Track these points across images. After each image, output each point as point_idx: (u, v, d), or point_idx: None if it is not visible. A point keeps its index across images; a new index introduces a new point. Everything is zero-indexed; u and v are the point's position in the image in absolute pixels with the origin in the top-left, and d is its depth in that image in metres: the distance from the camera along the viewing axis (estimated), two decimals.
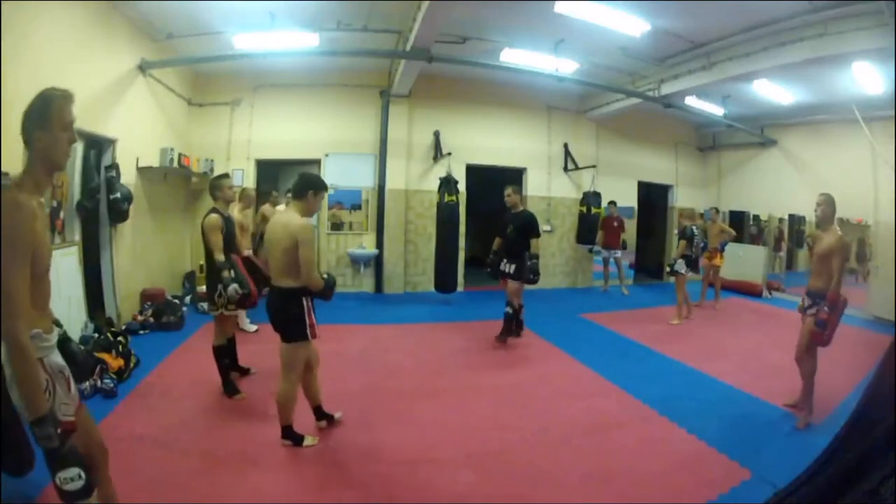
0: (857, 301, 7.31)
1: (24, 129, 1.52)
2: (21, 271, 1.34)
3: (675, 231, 6.24)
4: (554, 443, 2.97)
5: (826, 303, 3.19)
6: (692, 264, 6.25)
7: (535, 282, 4.75)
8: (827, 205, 3.41)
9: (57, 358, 1.56)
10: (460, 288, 7.77)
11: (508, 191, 4.90)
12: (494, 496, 2.42)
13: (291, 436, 2.75)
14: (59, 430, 1.38)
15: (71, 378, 1.60)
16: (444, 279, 6.85)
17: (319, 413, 3.00)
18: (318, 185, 2.72)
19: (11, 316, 1.30)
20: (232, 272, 3.32)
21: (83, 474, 1.36)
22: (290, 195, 3.32)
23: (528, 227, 4.71)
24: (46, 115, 1.50)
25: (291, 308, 2.62)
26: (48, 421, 1.36)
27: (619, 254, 8.14)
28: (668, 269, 6.49)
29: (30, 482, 2.18)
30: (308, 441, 2.78)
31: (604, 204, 8.24)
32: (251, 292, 3.40)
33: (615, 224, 8.10)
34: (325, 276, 2.68)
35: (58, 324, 1.66)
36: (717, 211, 7.63)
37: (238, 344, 3.83)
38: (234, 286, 3.24)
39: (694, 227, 6.28)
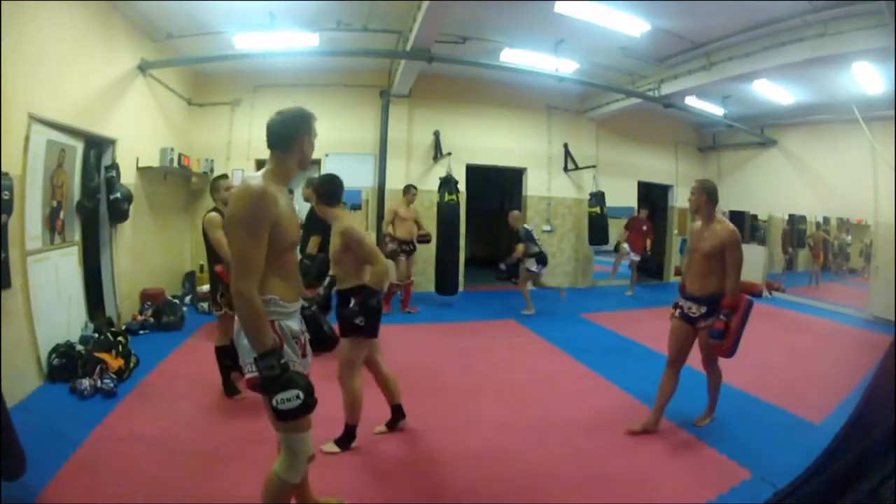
0: (857, 301, 7.35)
1: (280, 135, 1.74)
2: (256, 242, 1.59)
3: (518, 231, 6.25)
4: (554, 443, 2.97)
5: (722, 309, 2.80)
6: (543, 259, 6.24)
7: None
8: (699, 192, 2.92)
9: (293, 324, 1.78)
10: (461, 288, 7.79)
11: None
12: (494, 496, 2.42)
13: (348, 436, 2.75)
14: (281, 362, 1.60)
15: (308, 345, 1.89)
16: (445, 281, 6.80)
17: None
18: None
19: (243, 275, 1.58)
20: None
21: (301, 395, 1.58)
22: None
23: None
24: (309, 127, 1.78)
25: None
26: (271, 355, 1.58)
27: (638, 258, 8.12)
28: (502, 268, 6.39)
29: (26, 487, 2.17)
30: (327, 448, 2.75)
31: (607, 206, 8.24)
32: None
33: (644, 228, 8.08)
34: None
35: (307, 298, 2.03)
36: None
37: None
38: None
39: (526, 226, 6.35)
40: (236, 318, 1.71)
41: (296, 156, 1.76)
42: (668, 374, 3.05)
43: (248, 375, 1.70)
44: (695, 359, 4.66)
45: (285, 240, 1.69)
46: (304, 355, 1.84)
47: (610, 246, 8.45)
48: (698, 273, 2.90)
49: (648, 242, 8.10)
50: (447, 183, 6.85)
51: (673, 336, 3.04)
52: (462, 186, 7.43)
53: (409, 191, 6.24)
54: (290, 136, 1.73)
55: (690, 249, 3.02)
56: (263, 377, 1.59)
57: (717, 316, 2.82)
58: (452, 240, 6.84)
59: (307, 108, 1.79)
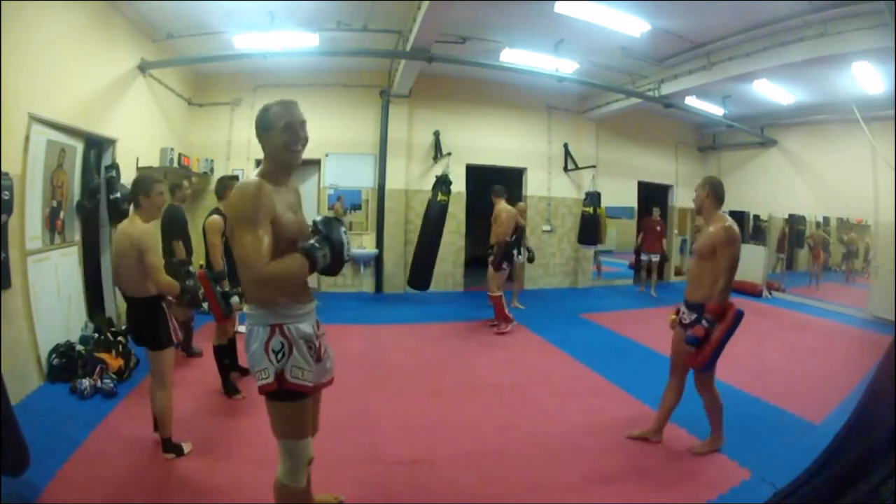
0: (857, 301, 7.36)
1: (260, 129, 1.71)
2: (260, 234, 1.53)
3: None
4: (554, 443, 2.97)
5: (705, 314, 2.55)
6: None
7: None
8: (702, 188, 2.75)
9: (304, 326, 1.72)
10: (461, 288, 7.80)
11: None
12: (494, 496, 2.42)
13: (172, 448, 2.61)
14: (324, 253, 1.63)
15: (326, 349, 1.90)
16: (418, 275, 6.80)
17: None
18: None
19: (255, 265, 1.51)
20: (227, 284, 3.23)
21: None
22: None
23: None
24: (286, 113, 1.68)
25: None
26: (315, 251, 1.62)
27: (657, 257, 8.11)
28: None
29: (26, 486, 2.17)
30: (187, 448, 2.66)
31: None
32: None
33: (658, 228, 8.08)
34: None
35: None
36: None
37: (238, 344, 3.83)
38: (235, 298, 3.15)
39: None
40: (246, 327, 1.70)
41: (278, 147, 1.68)
42: (669, 384, 2.91)
43: (260, 382, 1.66)
44: None
45: (283, 240, 1.63)
46: (318, 360, 1.79)
47: (604, 246, 8.45)
48: (693, 277, 2.75)
49: (664, 242, 8.10)
50: (442, 182, 6.85)
51: (672, 344, 2.86)
52: (462, 187, 7.43)
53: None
54: (267, 129, 1.68)
55: (691, 251, 2.94)
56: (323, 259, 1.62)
57: (697, 320, 2.58)
58: (435, 237, 6.82)
59: (303, 108, 1.77)
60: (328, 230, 1.68)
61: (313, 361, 1.74)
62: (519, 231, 6.19)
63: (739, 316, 2.54)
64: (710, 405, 2.80)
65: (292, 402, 1.68)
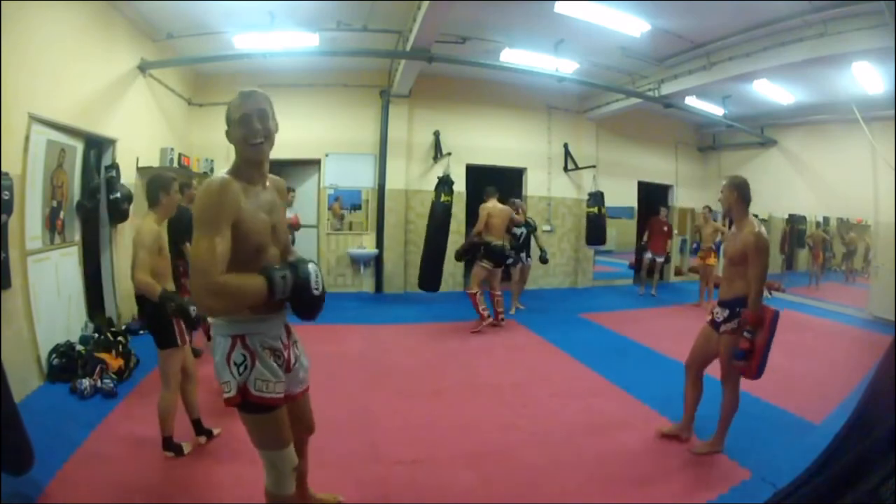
0: (857, 301, 7.36)
1: (226, 124, 1.63)
2: (216, 237, 1.41)
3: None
4: (554, 443, 2.97)
5: (745, 324, 2.56)
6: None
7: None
8: (729, 190, 2.68)
9: (270, 337, 1.64)
10: (460, 288, 7.78)
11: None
12: (494, 496, 2.42)
13: (172, 447, 2.63)
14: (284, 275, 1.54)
15: (298, 358, 1.81)
16: (428, 276, 6.75)
17: (198, 427, 2.83)
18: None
19: (204, 273, 1.38)
20: None
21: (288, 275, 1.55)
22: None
23: None
24: (241, 104, 1.59)
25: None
26: (275, 277, 1.53)
27: (662, 258, 8.09)
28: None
29: (26, 486, 2.17)
30: (187, 448, 2.67)
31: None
32: None
33: (665, 229, 8.04)
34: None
35: None
36: (710, 210, 7.50)
37: None
38: None
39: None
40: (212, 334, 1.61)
41: (239, 141, 1.58)
42: (686, 380, 2.94)
43: (225, 395, 1.58)
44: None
45: (249, 242, 1.52)
46: (288, 370, 1.72)
47: (607, 246, 8.44)
48: (725, 278, 2.76)
49: (670, 243, 8.08)
50: (444, 183, 6.84)
51: (696, 339, 2.91)
52: (462, 187, 7.43)
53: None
54: (228, 123, 1.60)
55: (723, 254, 2.88)
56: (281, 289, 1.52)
57: (740, 331, 2.59)
58: (440, 238, 6.79)
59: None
60: (296, 263, 1.61)
61: (282, 372, 1.66)
62: (516, 230, 6.18)
63: (776, 317, 2.58)
64: (730, 402, 2.79)
65: (263, 415, 1.62)
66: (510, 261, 5.95)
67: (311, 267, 1.63)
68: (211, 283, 1.38)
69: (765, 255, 2.55)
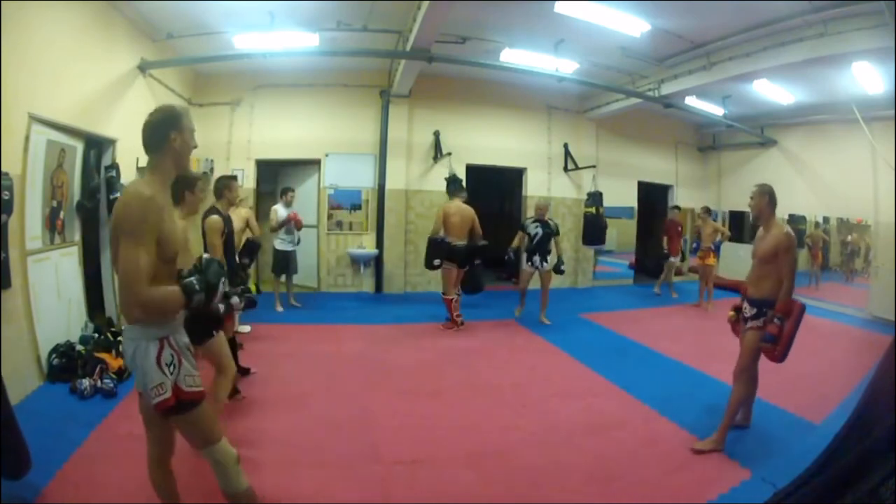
0: (857, 301, 7.35)
1: (149, 136, 1.75)
2: (144, 251, 1.53)
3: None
4: (554, 443, 2.97)
5: (775, 314, 2.78)
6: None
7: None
8: (760, 196, 2.94)
9: (182, 336, 1.75)
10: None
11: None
12: (494, 496, 2.42)
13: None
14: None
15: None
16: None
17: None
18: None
19: (136, 283, 1.50)
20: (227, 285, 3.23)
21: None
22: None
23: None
24: (179, 124, 1.77)
25: None
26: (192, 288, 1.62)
27: (679, 259, 8.08)
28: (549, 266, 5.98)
29: (26, 486, 2.17)
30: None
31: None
32: (254, 300, 3.36)
33: (679, 229, 8.01)
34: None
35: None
36: (709, 210, 7.48)
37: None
38: (235, 298, 3.14)
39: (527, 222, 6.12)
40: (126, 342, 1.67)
41: (169, 156, 1.70)
42: (740, 379, 2.97)
43: (156, 400, 1.61)
44: (694, 358, 4.66)
45: (170, 250, 1.63)
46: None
47: (607, 246, 8.42)
48: (755, 277, 2.95)
49: (681, 242, 8.09)
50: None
51: (741, 341, 3.04)
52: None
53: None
54: (158, 137, 1.70)
55: (752, 254, 3.03)
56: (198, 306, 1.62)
57: (769, 319, 2.80)
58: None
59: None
60: (207, 270, 1.68)
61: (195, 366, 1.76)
62: (530, 230, 6.06)
63: (803, 309, 2.80)
64: (737, 397, 2.91)
65: (195, 410, 1.68)
66: (478, 262, 5.75)
67: (219, 281, 1.69)
68: (140, 298, 1.51)
69: (794, 253, 2.84)
